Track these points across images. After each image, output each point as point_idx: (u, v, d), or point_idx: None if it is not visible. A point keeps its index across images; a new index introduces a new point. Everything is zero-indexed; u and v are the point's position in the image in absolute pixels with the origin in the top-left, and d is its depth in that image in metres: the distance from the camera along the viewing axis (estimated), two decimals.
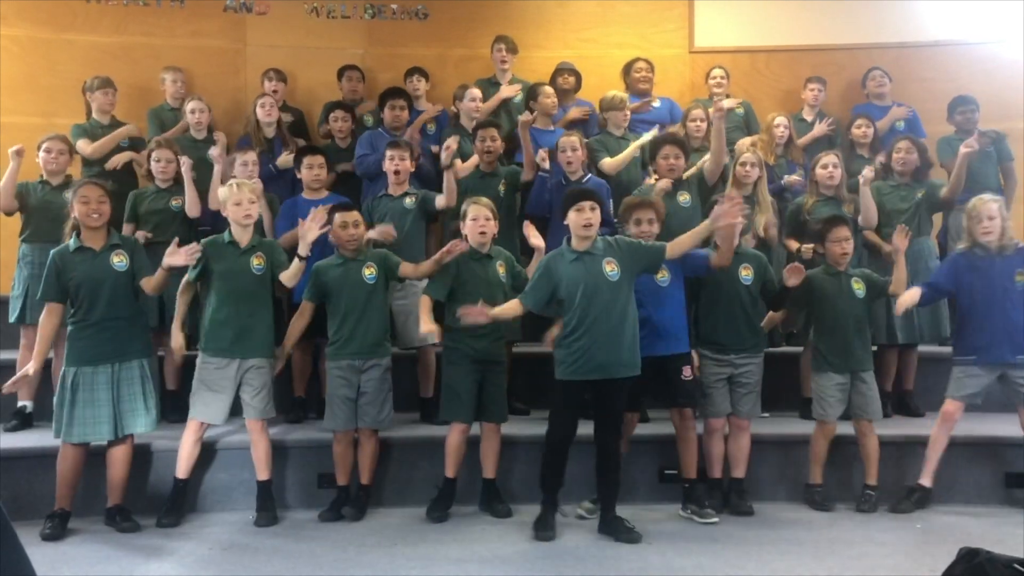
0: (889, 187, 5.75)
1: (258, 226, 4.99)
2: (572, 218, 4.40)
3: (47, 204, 5.42)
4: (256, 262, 4.72)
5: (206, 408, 4.66)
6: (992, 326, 4.79)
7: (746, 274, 4.79)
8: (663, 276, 4.67)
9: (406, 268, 4.85)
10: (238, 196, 4.73)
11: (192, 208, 5.51)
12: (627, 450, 4.75)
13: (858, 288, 4.89)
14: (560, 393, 4.45)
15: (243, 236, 4.75)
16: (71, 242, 4.58)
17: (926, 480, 4.86)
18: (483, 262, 4.72)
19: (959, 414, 4.83)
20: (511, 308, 4.48)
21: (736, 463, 4.87)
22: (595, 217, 4.38)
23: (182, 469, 4.71)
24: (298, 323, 4.80)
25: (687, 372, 4.68)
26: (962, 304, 4.92)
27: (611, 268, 4.36)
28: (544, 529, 4.44)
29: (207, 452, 4.84)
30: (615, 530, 4.44)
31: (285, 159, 6.05)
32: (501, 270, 4.73)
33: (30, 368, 4.56)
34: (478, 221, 4.68)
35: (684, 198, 5.47)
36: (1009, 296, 4.80)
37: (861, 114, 6.58)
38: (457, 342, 4.69)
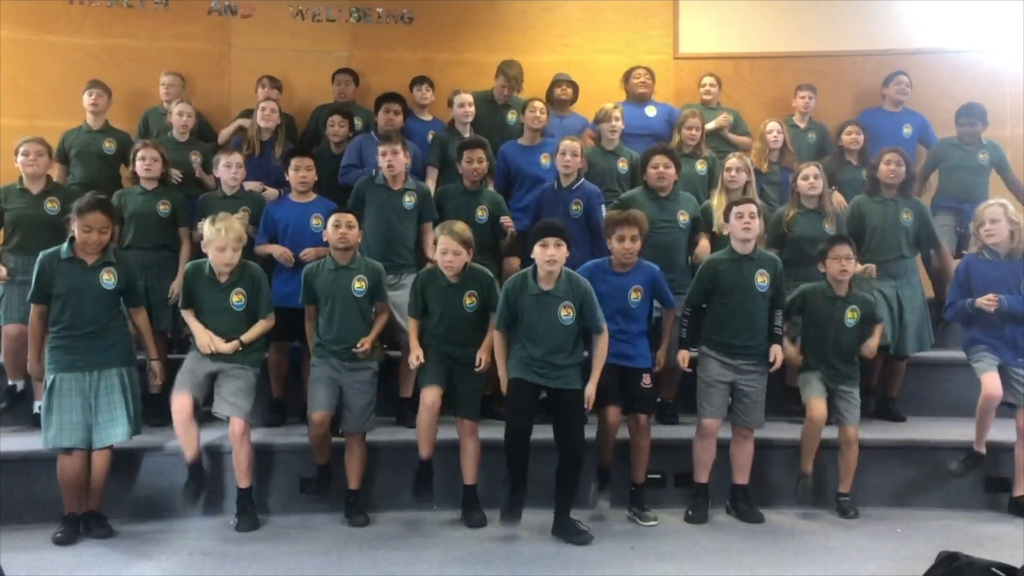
0: (874, 202, 5.70)
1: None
2: (537, 252, 4.47)
3: (28, 214, 5.36)
4: (236, 299, 4.74)
5: (179, 376, 4.70)
6: (997, 331, 4.86)
7: (762, 280, 4.79)
8: (636, 297, 4.72)
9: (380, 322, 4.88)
10: (223, 241, 4.66)
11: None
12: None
13: (852, 317, 4.90)
14: (511, 391, 4.53)
15: (223, 275, 4.76)
16: (64, 248, 4.51)
17: (980, 447, 4.92)
18: (451, 290, 4.70)
19: (996, 379, 4.86)
20: (498, 344, 4.60)
21: (741, 469, 4.89)
22: (559, 254, 4.43)
23: (187, 452, 4.66)
24: (308, 326, 4.87)
25: (647, 380, 4.74)
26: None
27: (567, 312, 4.46)
28: (508, 513, 4.46)
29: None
30: (567, 532, 4.48)
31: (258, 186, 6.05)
32: (469, 300, 4.68)
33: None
34: (447, 255, 4.63)
35: (684, 218, 5.48)
36: (1015, 301, 4.84)
37: (852, 122, 6.60)
38: (431, 337, 4.74)
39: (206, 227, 4.77)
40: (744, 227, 4.80)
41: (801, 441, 4.94)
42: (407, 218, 5.46)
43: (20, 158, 5.41)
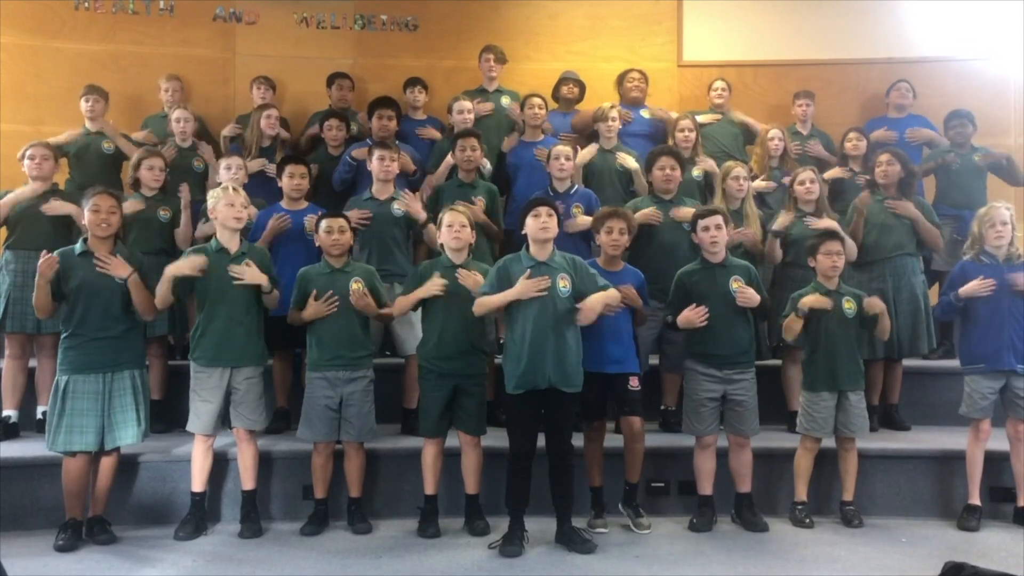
0: (875, 200, 5.74)
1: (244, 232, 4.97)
2: (529, 224, 4.47)
3: (32, 212, 5.39)
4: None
5: (197, 419, 4.64)
6: (998, 335, 4.83)
7: (736, 287, 4.80)
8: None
9: (386, 309, 4.84)
10: (232, 197, 4.69)
11: (184, 242, 5.50)
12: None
13: (849, 307, 4.88)
14: (512, 409, 4.49)
15: (231, 242, 4.71)
16: (77, 245, 4.54)
17: (974, 499, 4.88)
18: (455, 272, 4.67)
19: (986, 426, 4.87)
20: (489, 299, 4.43)
21: (741, 478, 4.87)
22: (551, 223, 4.45)
23: (196, 482, 4.67)
24: (298, 315, 4.77)
25: (634, 383, 4.72)
26: (968, 312, 4.92)
27: (564, 284, 4.41)
28: (510, 544, 4.41)
29: (188, 464, 4.74)
30: (570, 540, 4.46)
31: (260, 164, 6.05)
32: None
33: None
34: (453, 227, 4.65)
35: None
36: (1015, 306, 4.83)
37: (854, 128, 6.62)
38: (427, 361, 4.70)
39: (213, 191, 4.79)
40: (711, 240, 4.81)
41: (795, 469, 4.94)
42: (396, 224, 5.45)
43: (26, 162, 5.46)
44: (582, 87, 6.92)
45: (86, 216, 4.52)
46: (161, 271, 5.32)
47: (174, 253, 5.47)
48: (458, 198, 5.50)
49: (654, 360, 5.56)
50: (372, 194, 5.50)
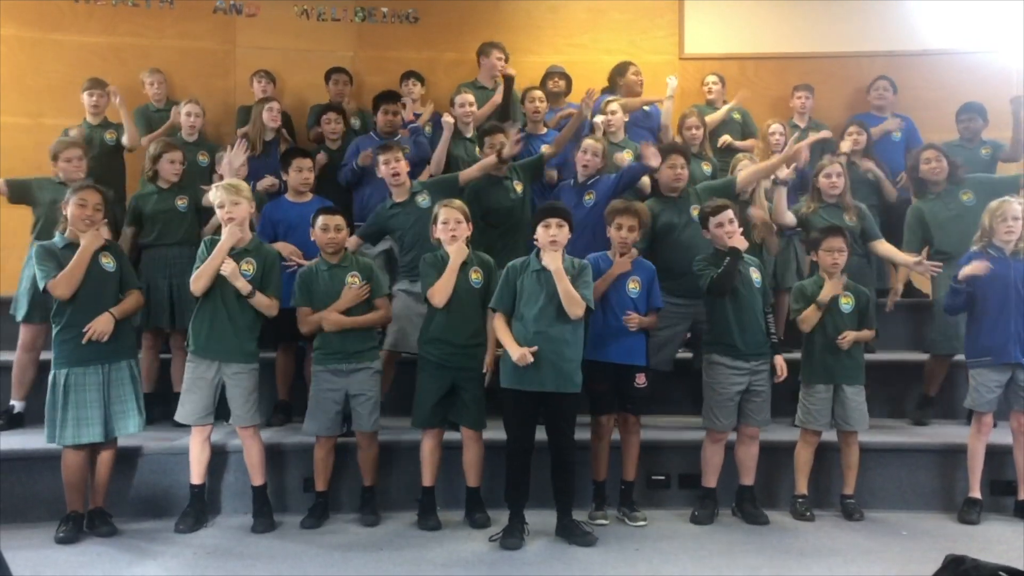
0: (929, 201, 5.68)
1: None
2: (540, 233, 4.48)
3: (58, 205, 5.31)
4: (245, 267, 4.62)
5: (181, 408, 4.62)
6: (1004, 328, 4.81)
7: (757, 276, 4.81)
8: (635, 287, 4.70)
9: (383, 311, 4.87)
10: (236, 196, 4.62)
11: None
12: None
13: (846, 303, 4.89)
14: (509, 404, 4.49)
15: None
16: (57, 239, 4.53)
17: (975, 492, 4.87)
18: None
19: (988, 419, 4.85)
20: (497, 324, 4.50)
21: (747, 471, 4.87)
22: (561, 234, 4.44)
23: (194, 475, 4.66)
24: (308, 328, 4.76)
25: (640, 380, 4.72)
26: (975, 306, 4.90)
27: None
28: (510, 537, 4.42)
29: (188, 456, 4.71)
30: (571, 533, 4.47)
31: (268, 184, 5.96)
32: (475, 275, 4.66)
33: None
34: (448, 224, 4.62)
35: (696, 212, 5.44)
36: (1022, 299, 4.82)
37: (854, 122, 6.60)
38: (427, 352, 4.69)
39: (214, 190, 4.71)
40: (728, 234, 4.78)
41: (795, 462, 4.95)
42: (430, 217, 5.24)
43: (63, 164, 5.39)
44: (568, 81, 6.89)
45: (70, 210, 4.48)
46: (184, 263, 5.22)
47: (196, 243, 5.41)
48: (494, 192, 5.55)
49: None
50: (394, 201, 5.36)
